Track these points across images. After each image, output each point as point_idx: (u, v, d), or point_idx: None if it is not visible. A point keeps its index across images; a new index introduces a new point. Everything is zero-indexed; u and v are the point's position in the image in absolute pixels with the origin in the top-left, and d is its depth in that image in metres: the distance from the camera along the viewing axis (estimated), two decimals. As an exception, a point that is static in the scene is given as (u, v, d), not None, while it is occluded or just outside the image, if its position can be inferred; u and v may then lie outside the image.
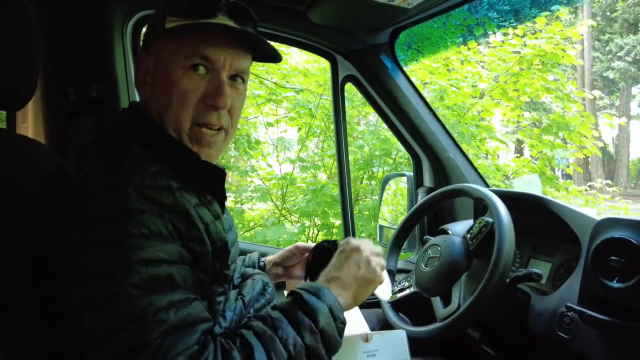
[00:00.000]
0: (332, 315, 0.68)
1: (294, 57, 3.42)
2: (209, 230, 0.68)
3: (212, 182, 0.74)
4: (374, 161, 3.36)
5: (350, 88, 1.67)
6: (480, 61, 3.79)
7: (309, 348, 0.64)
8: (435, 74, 3.40)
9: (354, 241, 0.82)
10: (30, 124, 1.17)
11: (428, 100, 2.97)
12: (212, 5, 0.71)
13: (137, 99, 1.27)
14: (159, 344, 0.55)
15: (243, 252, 1.18)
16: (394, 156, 3.33)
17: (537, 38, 3.35)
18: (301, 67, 3.31)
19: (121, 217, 0.59)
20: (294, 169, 3.52)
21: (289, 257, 1.05)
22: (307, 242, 3.39)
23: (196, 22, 0.70)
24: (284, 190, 3.51)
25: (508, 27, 3.60)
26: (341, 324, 0.69)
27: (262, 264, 1.08)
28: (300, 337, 0.64)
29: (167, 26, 0.70)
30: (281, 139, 3.51)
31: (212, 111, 0.71)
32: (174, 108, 0.70)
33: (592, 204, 3.57)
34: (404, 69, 1.55)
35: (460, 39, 3.75)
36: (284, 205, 3.53)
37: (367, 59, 1.51)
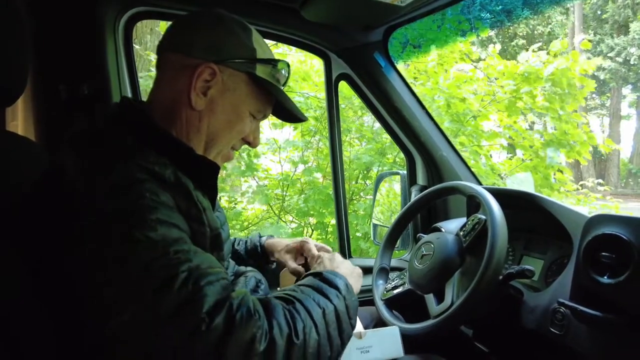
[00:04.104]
0: (347, 289, 0.74)
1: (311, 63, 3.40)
2: (206, 214, 0.70)
3: (206, 176, 0.76)
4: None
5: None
6: (475, 60, 3.79)
7: (337, 309, 0.68)
8: (448, 88, 3.35)
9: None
10: (20, 121, 1.15)
11: (436, 110, 2.97)
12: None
13: (129, 94, 1.27)
14: (187, 275, 0.55)
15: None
16: (389, 155, 3.32)
17: (554, 61, 3.32)
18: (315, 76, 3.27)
19: (130, 186, 0.59)
20: (296, 170, 3.52)
21: (295, 252, 1.08)
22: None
23: (284, 91, 0.83)
24: (284, 192, 3.49)
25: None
26: (355, 300, 0.75)
27: (262, 243, 1.13)
28: (329, 300, 0.69)
29: (258, 73, 0.78)
30: (287, 142, 3.51)
31: (244, 143, 0.86)
32: (226, 137, 0.79)
33: (583, 202, 3.60)
34: (403, 66, 1.55)
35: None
36: (282, 205, 3.52)
37: (360, 57, 1.50)
